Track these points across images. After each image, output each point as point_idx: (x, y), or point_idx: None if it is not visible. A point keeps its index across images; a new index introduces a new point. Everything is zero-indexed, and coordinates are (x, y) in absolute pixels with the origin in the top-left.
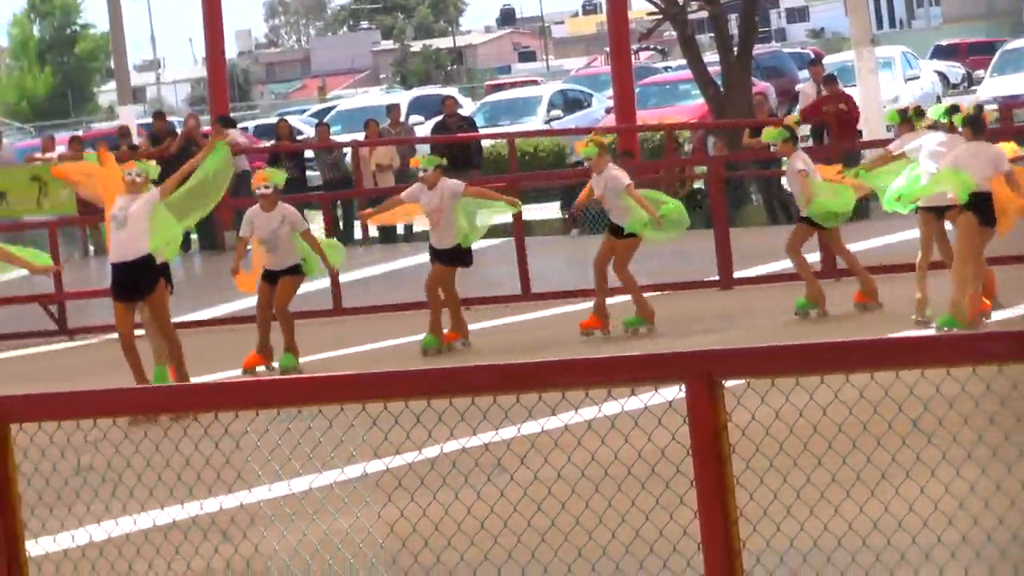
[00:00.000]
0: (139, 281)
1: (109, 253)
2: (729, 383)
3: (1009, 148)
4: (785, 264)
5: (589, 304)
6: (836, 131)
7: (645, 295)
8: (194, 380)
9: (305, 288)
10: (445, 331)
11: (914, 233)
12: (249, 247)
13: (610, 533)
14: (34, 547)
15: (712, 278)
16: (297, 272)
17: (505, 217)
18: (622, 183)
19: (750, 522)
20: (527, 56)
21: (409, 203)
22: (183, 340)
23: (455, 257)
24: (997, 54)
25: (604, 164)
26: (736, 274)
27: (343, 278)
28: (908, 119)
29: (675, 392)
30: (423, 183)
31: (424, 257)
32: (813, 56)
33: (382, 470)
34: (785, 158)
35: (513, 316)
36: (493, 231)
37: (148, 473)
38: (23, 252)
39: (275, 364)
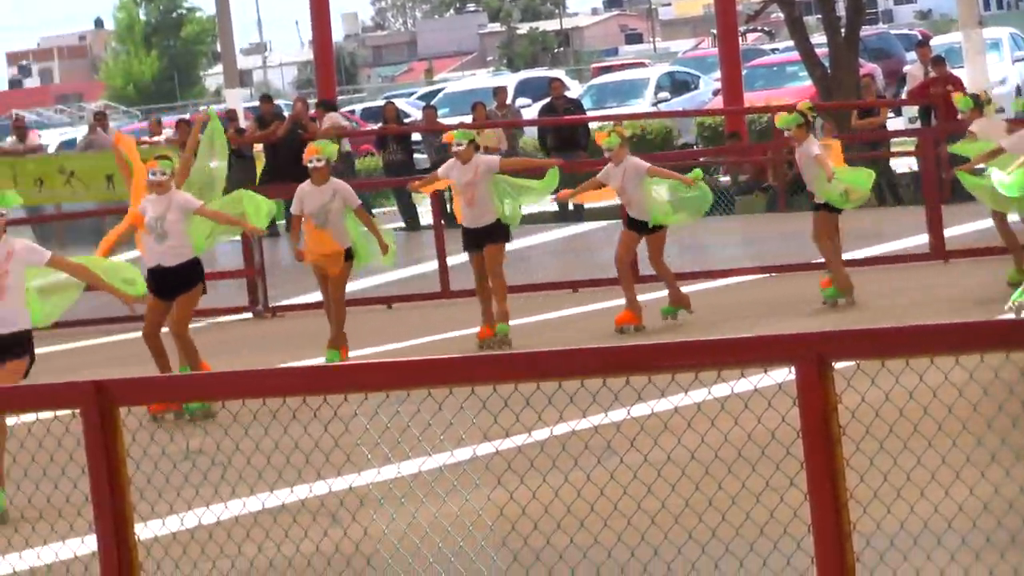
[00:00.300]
0: (180, 284)
1: (144, 256)
2: (839, 365)
3: None
4: (893, 245)
5: (697, 286)
6: (944, 113)
7: (752, 278)
8: (299, 364)
9: (416, 270)
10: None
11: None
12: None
13: (720, 515)
14: (143, 531)
15: (820, 260)
16: (349, 257)
17: (541, 201)
18: (644, 167)
19: (860, 504)
20: (634, 38)
21: (444, 179)
22: (288, 324)
23: (501, 232)
24: None
25: (624, 155)
26: (845, 255)
27: (450, 261)
28: (979, 105)
29: (785, 374)
30: (457, 158)
31: (533, 240)
32: (920, 37)
33: (492, 453)
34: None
35: (620, 299)
36: (600, 214)
37: (257, 456)
38: (115, 272)
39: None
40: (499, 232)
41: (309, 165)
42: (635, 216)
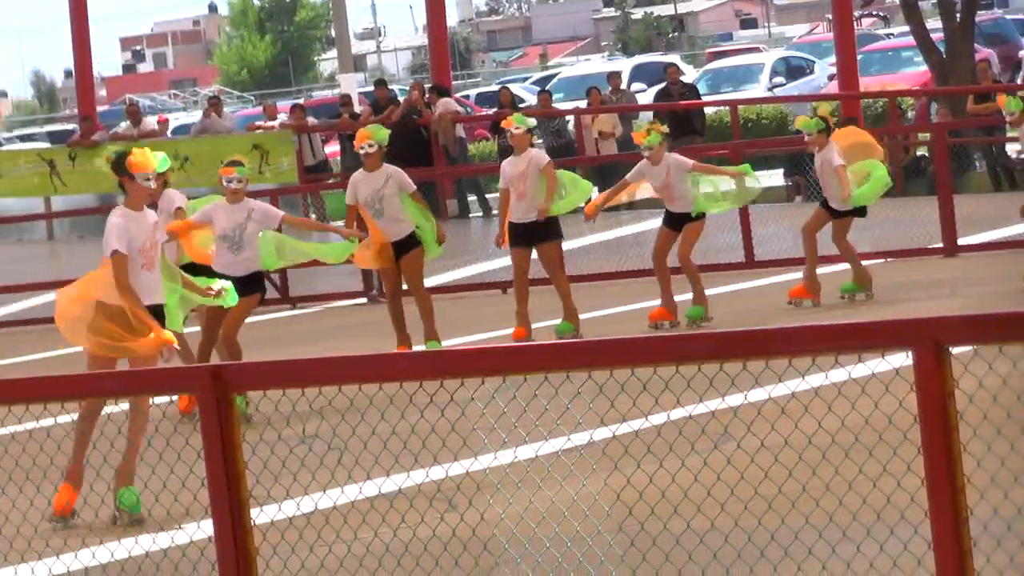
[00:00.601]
0: (243, 292)
1: (212, 262)
2: (956, 350)
3: None
4: (1009, 231)
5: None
6: None
7: (867, 263)
8: (415, 349)
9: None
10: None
11: None
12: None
13: (837, 500)
14: (259, 516)
15: (936, 245)
16: (419, 243)
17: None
18: (688, 162)
19: (978, 489)
20: (749, 23)
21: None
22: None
23: (556, 229)
24: None
25: (663, 153)
26: (960, 241)
27: (566, 246)
28: None
29: (902, 359)
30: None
31: (647, 224)
32: None
33: (609, 437)
34: (817, 149)
35: (736, 284)
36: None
37: (374, 441)
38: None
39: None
40: (554, 229)
41: (360, 151)
42: (677, 211)
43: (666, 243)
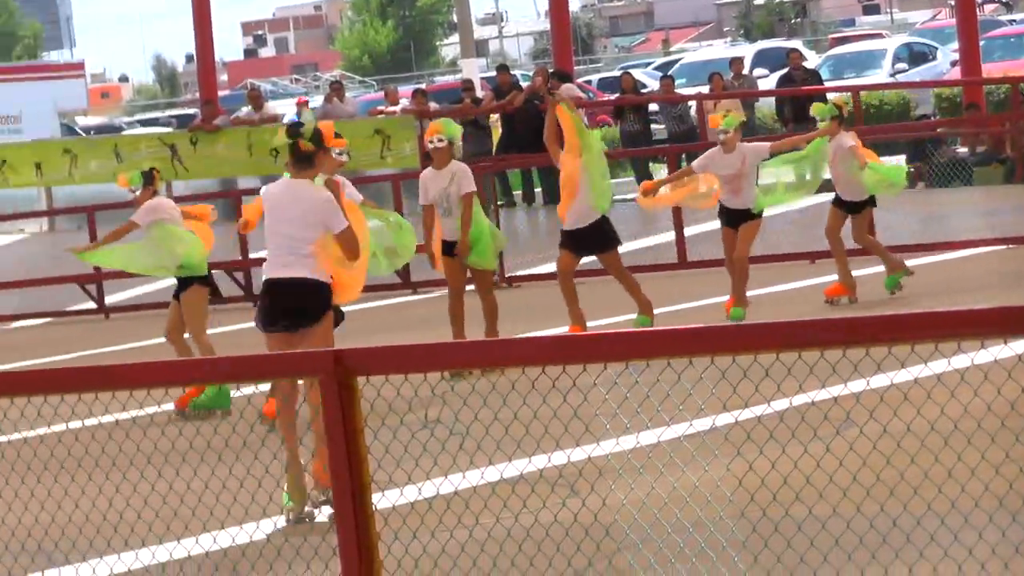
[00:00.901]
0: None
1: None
2: None
3: None
4: None
5: (935, 257)
6: None
7: (990, 249)
8: (537, 335)
9: (652, 240)
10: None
11: None
12: None
13: (959, 487)
14: (381, 501)
15: None
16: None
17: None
18: (764, 146)
19: None
20: (871, 9)
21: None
22: (526, 295)
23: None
24: None
25: (737, 141)
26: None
27: (687, 232)
28: None
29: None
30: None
31: (770, 211)
32: None
33: (731, 423)
34: (829, 137)
35: (860, 269)
36: None
37: (495, 427)
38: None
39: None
40: (611, 237)
41: (430, 146)
42: (741, 206)
43: (732, 242)
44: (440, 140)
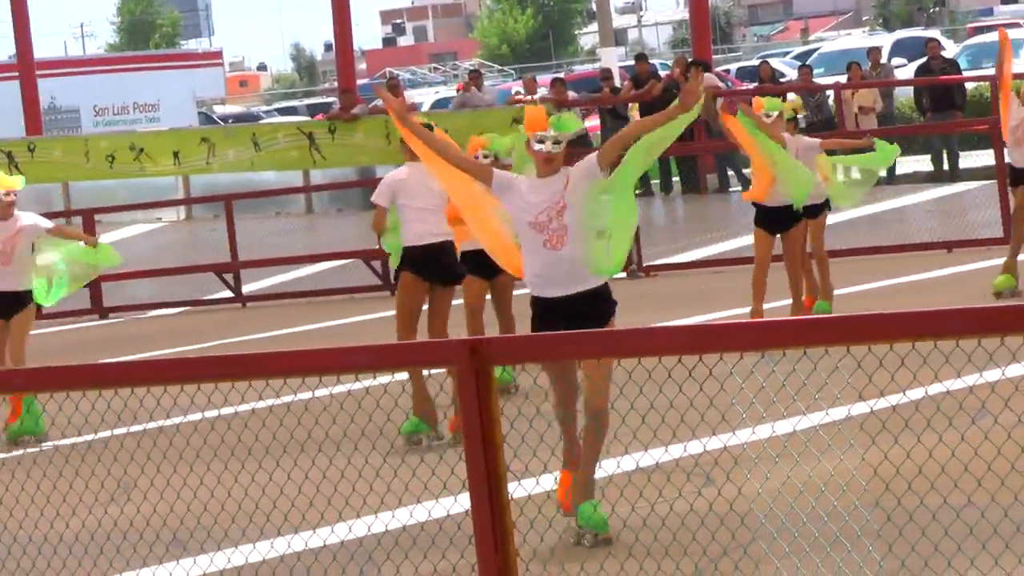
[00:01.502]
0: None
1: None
2: None
3: None
4: None
5: None
6: None
7: None
8: (674, 324)
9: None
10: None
11: None
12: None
13: None
14: (516, 489)
15: None
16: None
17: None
18: (816, 142)
19: None
20: None
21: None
22: (662, 284)
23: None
24: None
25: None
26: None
27: (830, 220)
28: None
29: None
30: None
31: (908, 200)
32: None
33: (867, 412)
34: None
35: (994, 259)
36: (975, 174)
37: (632, 416)
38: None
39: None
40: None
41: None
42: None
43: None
44: (485, 156)
